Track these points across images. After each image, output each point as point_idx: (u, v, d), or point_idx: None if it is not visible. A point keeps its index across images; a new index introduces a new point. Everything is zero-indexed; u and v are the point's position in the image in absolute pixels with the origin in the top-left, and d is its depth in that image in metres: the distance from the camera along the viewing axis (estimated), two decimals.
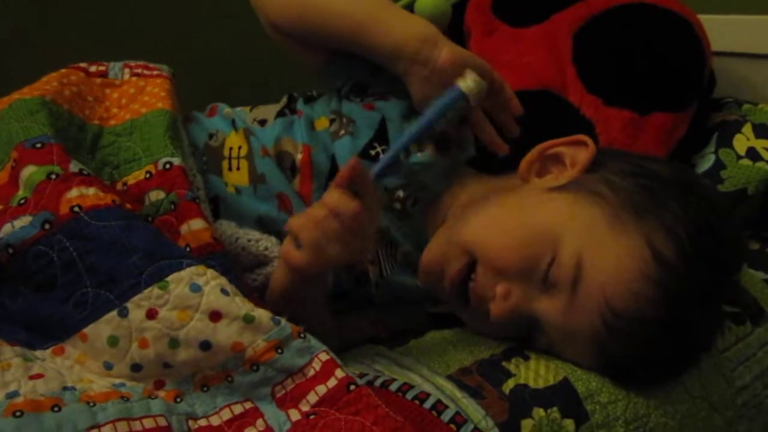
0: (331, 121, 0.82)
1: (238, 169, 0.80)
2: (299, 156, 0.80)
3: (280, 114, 0.85)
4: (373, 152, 0.80)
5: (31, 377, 0.58)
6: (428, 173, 0.81)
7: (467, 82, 0.74)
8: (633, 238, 0.68)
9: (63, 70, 0.83)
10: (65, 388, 0.58)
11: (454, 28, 1.06)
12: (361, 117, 0.82)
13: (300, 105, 0.85)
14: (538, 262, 0.70)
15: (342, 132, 0.81)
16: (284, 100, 0.87)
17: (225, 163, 0.81)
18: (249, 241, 0.76)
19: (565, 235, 0.69)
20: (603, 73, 0.92)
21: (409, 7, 1.12)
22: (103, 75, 0.86)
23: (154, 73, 0.87)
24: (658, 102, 0.92)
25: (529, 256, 0.70)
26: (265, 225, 0.79)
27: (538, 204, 0.74)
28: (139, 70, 0.87)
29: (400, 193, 0.80)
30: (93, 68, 0.86)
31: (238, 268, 0.71)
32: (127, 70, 0.87)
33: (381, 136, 0.81)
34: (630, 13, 0.95)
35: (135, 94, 0.84)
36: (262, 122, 0.85)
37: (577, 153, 0.76)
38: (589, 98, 0.91)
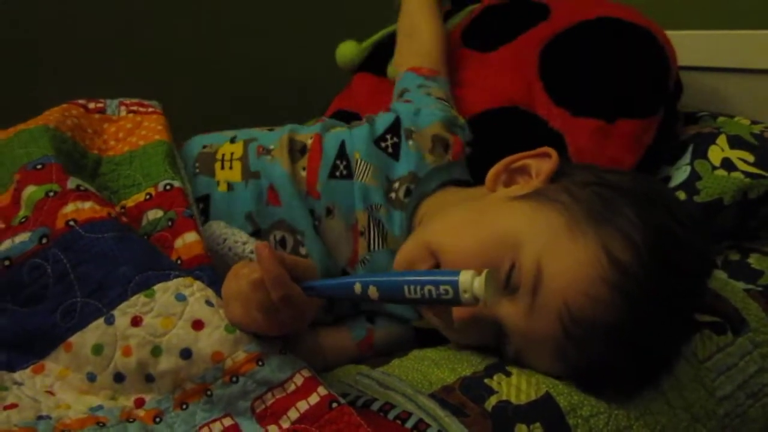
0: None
1: (231, 168, 0.81)
2: (310, 141, 0.82)
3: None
4: (383, 144, 0.82)
5: (6, 407, 0.57)
6: (424, 170, 0.80)
7: (473, 280, 0.55)
8: (590, 243, 0.65)
9: (64, 105, 0.83)
10: (40, 417, 0.57)
11: None
12: (380, 115, 0.85)
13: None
14: (498, 267, 0.67)
15: (363, 121, 0.85)
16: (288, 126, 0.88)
17: (218, 164, 0.81)
18: (236, 242, 0.74)
19: (525, 240, 0.67)
20: (569, 85, 0.91)
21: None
22: (101, 111, 0.86)
23: (149, 110, 0.87)
24: (623, 108, 0.89)
25: (489, 260, 0.66)
26: (254, 221, 0.78)
27: (500, 211, 0.72)
28: (134, 108, 0.87)
29: (396, 184, 0.79)
30: (91, 105, 0.86)
31: (225, 269, 0.67)
32: (123, 108, 0.87)
33: (393, 130, 0.83)
34: (593, 27, 0.93)
35: (132, 129, 0.84)
36: (270, 129, 0.87)
37: (542, 164, 0.74)
38: (556, 110, 0.90)
